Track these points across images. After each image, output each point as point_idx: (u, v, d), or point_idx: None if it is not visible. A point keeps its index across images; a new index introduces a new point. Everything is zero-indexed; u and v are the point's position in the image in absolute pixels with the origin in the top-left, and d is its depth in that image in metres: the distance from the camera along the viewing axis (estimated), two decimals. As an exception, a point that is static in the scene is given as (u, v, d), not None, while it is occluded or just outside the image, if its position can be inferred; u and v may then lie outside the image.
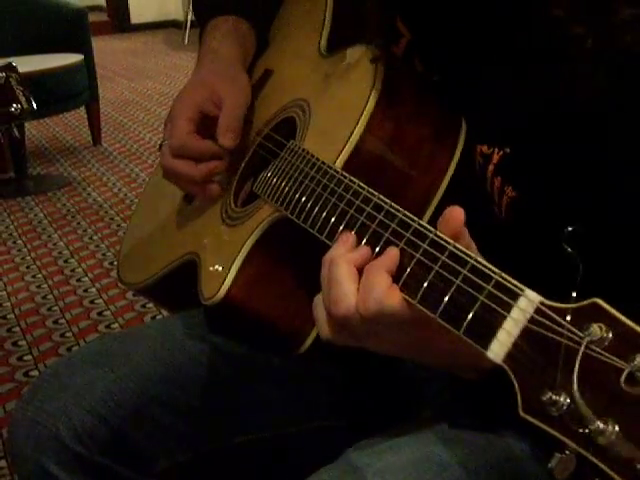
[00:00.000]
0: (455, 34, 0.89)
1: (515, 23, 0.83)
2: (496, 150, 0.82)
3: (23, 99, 1.33)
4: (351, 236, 0.75)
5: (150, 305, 2.90)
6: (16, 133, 1.66)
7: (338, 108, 0.95)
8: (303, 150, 0.92)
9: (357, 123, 0.87)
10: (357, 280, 0.71)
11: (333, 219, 0.80)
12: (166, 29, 9.95)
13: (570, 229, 0.60)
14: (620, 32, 0.72)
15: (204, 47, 1.17)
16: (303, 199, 0.86)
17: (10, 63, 1.34)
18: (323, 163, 0.86)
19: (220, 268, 0.95)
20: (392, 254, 0.71)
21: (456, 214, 0.69)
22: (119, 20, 10.16)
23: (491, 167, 0.83)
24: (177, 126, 1.06)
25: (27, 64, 4.21)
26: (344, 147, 0.87)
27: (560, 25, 0.76)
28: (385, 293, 0.69)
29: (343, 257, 0.73)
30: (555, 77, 0.78)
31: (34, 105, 1.37)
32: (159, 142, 1.10)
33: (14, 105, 1.32)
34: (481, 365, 0.64)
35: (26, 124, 4.77)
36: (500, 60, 0.84)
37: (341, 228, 0.79)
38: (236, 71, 1.12)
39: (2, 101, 1.31)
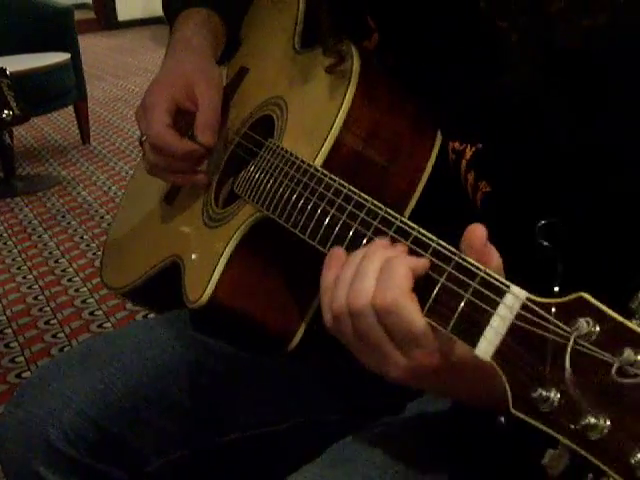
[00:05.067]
0: (417, 32, 0.89)
1: (459, 19, 0.83)
2: (468, 146, 0.83)
3: (14, 104, 1.30)
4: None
5: (142, 304, 2.89)
6: (8, 140, 1.64)
7: (315, 105, 0.94)
8: (282, 149, 0.91)
9: (334, 120, 0.86)
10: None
11: (315, 219, 0.80)
12: (153, 25, 9.91)
13: (543, 222, 0.59)
14: (546, 27, 0.73)
15: (175, 35, 1.16)
16: (284, 199, 0.86)
17: (1, 68, 1.32)
18: (302, 162, 0.86)
19: (203, 271, 0.94)
20: (423, 260, 0.67)
21: (476, 232, 0.65)
22: (106, 17, 10.13)
23: (464, 163, 0.83)
24: (154, 119, 1.04)
25: (13, 64, 4.19)
26: (322, 145, 0.86)
27: (489, 20, 0.77)
28: (405, 288, 0.65)
29: (378, 252, 0.70)
30: (493, 73, 0.78)
31: (26, 110, 1.35)
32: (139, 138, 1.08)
33: (5, 111, 1.30)
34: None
35: (14, 124, 4.75)
36: (457, 57, 0.85)
37: (323, 228, 0.78)
38: (208, 63, 1.11)
39: None
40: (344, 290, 0.69)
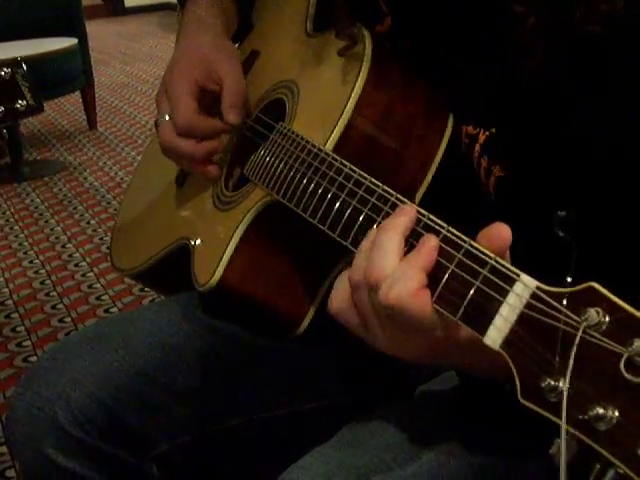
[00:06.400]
0: (431, 15, 0.89)
1: (474, 2, 0.83)
2: (482, 130, 0.82)
3: (29, 95, 1.31)
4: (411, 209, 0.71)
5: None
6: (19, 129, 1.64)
7: (326, 89, 0.94)
8: (293, 132, 0.91)
9: (346, 104, 0.86)
10: (402, 254, 0.68)
11: (325, 203, 0.80)
12: (161, 12, 9.89)
13: (562, 213, 0.59)
14: (563, 11, 0.72)
15: (188, 15, 1.15)
16: (294, 183, 0.85)
17: (16, 58, 1.33)
18: (313, 146, 0.86)
19: (213, 254, 0.94)
20: (431, 246, 0.67)
21: (503, 233, 0.64)
22: (113, 3, 10.10)
23: (477, 147, 0.83)
24: (182, 105, 1.03)
25: (21, 49, 4.19)
26: (334, 129, 0.86)
27: (504, 3, 0.76)
28: (413, 293, 0.65)
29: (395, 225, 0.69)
30: (509, 57, 0.78)
31: (40, 101, 1.36)
32: (155, 120, 1.08)
33: (20, 102, 1.31)
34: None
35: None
36: (471, 41, 0.84)
37: (333, 213, 0.78)
38: (224, 41, 1.11)
39: (8, 97, 1.29)
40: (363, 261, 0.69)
